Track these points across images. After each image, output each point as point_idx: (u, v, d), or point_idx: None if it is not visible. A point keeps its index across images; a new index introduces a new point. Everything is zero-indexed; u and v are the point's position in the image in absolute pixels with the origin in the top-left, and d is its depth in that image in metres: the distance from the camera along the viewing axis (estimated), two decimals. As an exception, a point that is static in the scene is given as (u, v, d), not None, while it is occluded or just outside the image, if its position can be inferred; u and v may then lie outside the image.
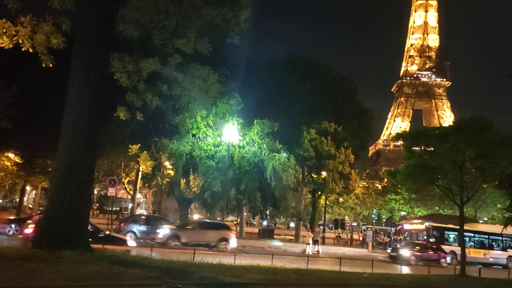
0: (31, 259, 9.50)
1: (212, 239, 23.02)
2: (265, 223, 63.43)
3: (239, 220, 46.27)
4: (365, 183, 56.22)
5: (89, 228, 13.78)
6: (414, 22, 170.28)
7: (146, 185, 46.29)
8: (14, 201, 61.66)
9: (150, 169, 34.72)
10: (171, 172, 38.33)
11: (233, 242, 23.26)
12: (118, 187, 49.27)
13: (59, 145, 11.50)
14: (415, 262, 27.07)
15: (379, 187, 58.09)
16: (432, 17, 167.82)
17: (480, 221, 47.25)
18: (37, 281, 7.82)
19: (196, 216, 54.29)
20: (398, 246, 33.70)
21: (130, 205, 53.86)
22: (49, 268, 8.81)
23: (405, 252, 28.50)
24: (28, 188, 48.60)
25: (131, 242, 19.77)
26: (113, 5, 12.19)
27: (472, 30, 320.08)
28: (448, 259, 30.15)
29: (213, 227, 24.47)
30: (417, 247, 29.69)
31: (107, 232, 19.91)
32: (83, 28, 11.81)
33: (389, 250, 33.79)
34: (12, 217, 26.95)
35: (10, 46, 12.70)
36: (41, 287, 7.47)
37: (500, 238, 34.59)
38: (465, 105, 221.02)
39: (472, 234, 34.16)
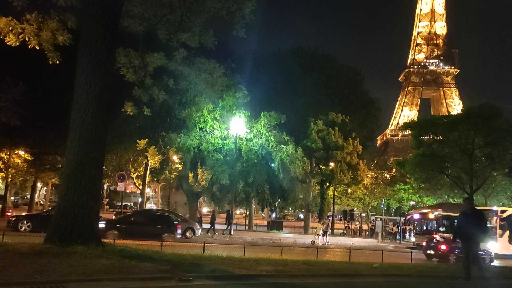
0: (44, 254, 9.60)
1: None
2: (274, 215, 63.60)
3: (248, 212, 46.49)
4: (373, 174, 56.07)
5: None
6: (421, 10, 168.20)
7: (155, 179, 46.65)
8: (25, 197, 62.51)
9: (158, 163, 34.95)
10: (179, 166, 38.57)
11: None
12: (127, 182, 49.72)
13: (68, 141, 11.57)
14: (115, 237, 18.09)
15: (388, 177, 57.86)
16: (439, 4, 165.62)
17: (491, 209, 46.88)
18: (50, 276, 7.90)
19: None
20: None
21: (140, 199, 54.32)
22: (62, 263, 8.91)
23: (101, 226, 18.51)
24: (38, 184, 49.17)
25: None
26: (118, 1, 12.19)
27: (480, 16, 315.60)
28: (179, 232, 22.04)
29: None
30: (132, 218, 22.28)
31: None
32: (88, 25, 11.82)
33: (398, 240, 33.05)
34: (23, 214, 27.42)
35: (17, 43, 12.76)
36: (54, 282, 7.54)
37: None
38: (474, 93, 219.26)
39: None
